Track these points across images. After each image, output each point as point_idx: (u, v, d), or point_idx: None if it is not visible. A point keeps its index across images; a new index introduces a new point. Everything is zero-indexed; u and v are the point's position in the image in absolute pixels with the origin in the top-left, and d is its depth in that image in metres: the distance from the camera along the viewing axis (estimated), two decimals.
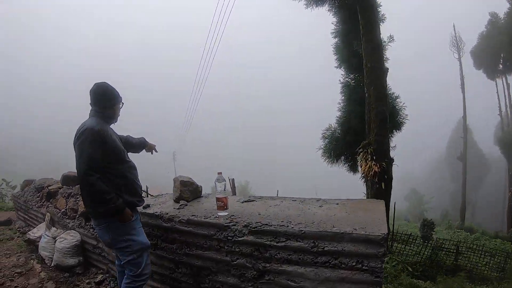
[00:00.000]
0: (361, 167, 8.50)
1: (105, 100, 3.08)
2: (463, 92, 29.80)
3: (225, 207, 3.18)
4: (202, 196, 4.08)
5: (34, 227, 6.64)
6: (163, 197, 4.33)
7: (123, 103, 3.26)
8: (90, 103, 3.10)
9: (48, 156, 62.65)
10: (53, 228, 5.68)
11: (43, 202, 6.76)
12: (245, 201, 3.66)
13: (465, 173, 28.99)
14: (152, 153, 3.91)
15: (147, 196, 10.36)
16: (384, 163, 8.21)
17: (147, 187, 10.68)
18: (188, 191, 3.81)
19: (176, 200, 3.81)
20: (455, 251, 12.28)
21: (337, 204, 3.33)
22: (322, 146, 12.16)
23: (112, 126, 3.28)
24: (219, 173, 3.19)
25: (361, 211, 3.06)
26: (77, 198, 5.52)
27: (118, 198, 2.89)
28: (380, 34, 8.86)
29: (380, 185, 8.27)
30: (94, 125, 2.87)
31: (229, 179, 14.85)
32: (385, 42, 9.71)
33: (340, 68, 12.51)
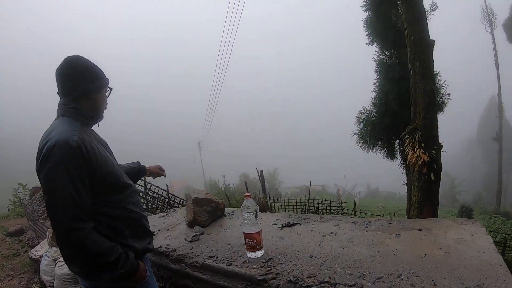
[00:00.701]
0: (406, 155, 7.31)
1: (81, 85, 1.80)
2: (497, 68, 27.44)
3: (258, 245, 2.11)
4: (225, 215, 3.08)
5: (43, 240, 5.91)
6: (174, 216, 3.39)
7: (111, 89, 1.99)
8: (57, 92, 1.85)
9: None
10: (54, 248, 4.87)
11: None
12: (285, 226, 2.60)
13: (501, 155, 26.85)
14: (154, 178, 2.71)
15: (169, 197, 9.58)
16: (433, 151, 7.02)
17: (167, 186, 9.81)
18: (204, 212, 2.82)
19: (190, 225, 2.84)
20: (502, 244, 11.00)
21: (420, 230, 2.27)
22: (356, 131, 10.99)
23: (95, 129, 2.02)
24: (247, 196, 2.09)
25: (460, 245, 2.01)
26: None
27: (127, 255, 1.75)
28: (422, 0, 7.54)
29: (429, 176, 7.09)
30: (69, 136, 1.64)
31: (257, 171, 13.87)
32: (427, 10, 8.36)
33: (372, 44, 11.20)
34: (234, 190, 23.63)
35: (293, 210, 11.26)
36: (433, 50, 7.49)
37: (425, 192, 7.26)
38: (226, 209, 3.16)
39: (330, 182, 44.73)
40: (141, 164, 2.53)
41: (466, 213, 17.64)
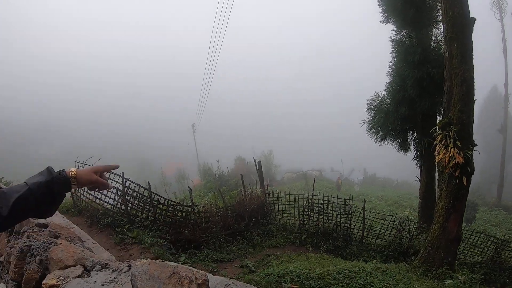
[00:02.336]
0: (437, 154, 6.16)
1: None
2: (505, 56, 26.00)
3: None
4: None
5: None
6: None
7: None
8: None
9: (69, 138, 60.91)
10: None
11: None
12: None
13: (505, 147, 25.58)
14: (99, 191, 1.72)
15: (151, 196, 8.26)
16: (468, 151, 5.89)
17: (149, 183, 8.59)
18: None
19: None
20: None
21: None
22: (367, 119, 9.83)
23: None
24: None
25: None
26: (18, 238, 3.52)
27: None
28: None
29: (460, 180, 5.98)
30: None
31: (255, 161, 12.72)
32: None
33: (387, 22, 9.94)
34: (229, 176, 22.65)
35: (294, 208, 10.22)
36: (472, 30, 6.24)
37: (454, 198, 6.18)
38: (214, 279, 1.93)
39: (326, 166, 43.72)
40: (62, 170, 1.34)
41: (471, 207, 16.77)
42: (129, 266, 2.70)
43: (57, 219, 7.81)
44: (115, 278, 2.33)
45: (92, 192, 8.32)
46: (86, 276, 2.76)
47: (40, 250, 3.27)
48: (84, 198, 8.53)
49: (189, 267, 1.97)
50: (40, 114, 66.98)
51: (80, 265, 2.92)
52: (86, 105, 77.03)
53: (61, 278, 2.63)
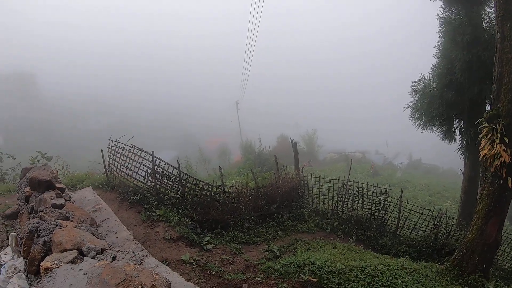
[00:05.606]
0: (481, 149, 5.55)
1: None
2: None
3: None
4: None
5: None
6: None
7: None
8: None
9: (116, 114, 62.62)
10: (18, 260, 3.87)
11: (24, 207, 4.99)
12: None
13: None
14: None
15: (180, 176, 8.29)
16: None
17: (178, 163, 8.62)
18: None
19: None
20: None
21: None
22: (410, 103, 9.22)
23: None
24: None
25: None
26: (35, 217, 3.59)
27: None
28: None
29: (505, 181, 5.37)
30: None
31: (291, 141, 12.42)
32: None
33: None
34: (269, 154, 22.57)
35: (328, 193, 9.99)
36: None
37: (496, 200, 5.58)
38: (184, 285, 1.78)
39: (371, 148, 42.18)
40: None
41: None
42: (114, 258, 2.64)
43: (88, 194, 8.04)
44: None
45: (125, 170, 8.57)
46: (78, 261, 2.79)
47: (46, 232, 3.38)
48: (117, 174, 8.77)
49: (153, 272, 1.86)
50: (89, 90, 69.48)
51: (77, 249, 2.96)
52: (132, 82, 78.88)
53: (55, 261, 2.66)
